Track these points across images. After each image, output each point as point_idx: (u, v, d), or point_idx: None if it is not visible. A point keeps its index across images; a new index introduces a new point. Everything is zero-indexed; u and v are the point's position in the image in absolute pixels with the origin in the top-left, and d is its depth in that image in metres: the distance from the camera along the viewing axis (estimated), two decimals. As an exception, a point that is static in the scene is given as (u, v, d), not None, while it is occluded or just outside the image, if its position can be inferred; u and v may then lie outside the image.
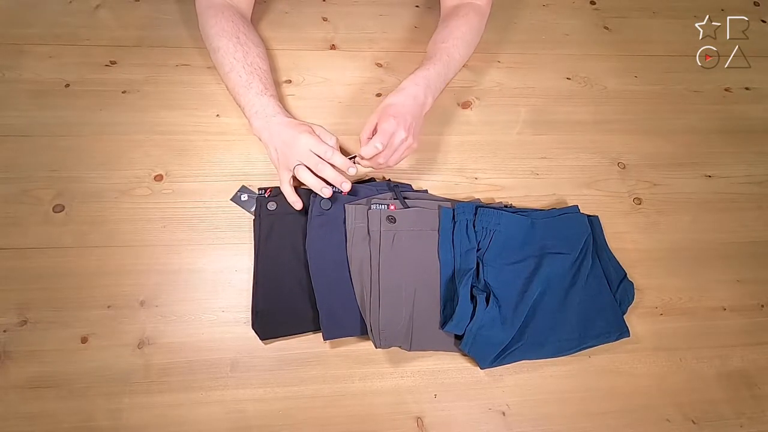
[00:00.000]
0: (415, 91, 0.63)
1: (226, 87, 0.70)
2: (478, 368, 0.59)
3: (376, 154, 0.59)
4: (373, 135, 0.61)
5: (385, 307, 0.58)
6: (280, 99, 0.70)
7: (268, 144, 0.63)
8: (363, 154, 0.59)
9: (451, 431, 0.57)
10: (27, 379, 0.55)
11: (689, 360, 0.62)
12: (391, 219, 0.61)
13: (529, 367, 0.60)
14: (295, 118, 0.66)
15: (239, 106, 0.68)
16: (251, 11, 0.77)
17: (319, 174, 0.60)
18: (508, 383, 0.59)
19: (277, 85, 0.74)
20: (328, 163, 0.59)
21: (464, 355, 0.60)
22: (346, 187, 0.60)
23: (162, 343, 0.58)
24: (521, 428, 0.57)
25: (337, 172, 0.59)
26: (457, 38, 0.72)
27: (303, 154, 0.60)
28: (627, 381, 0.61)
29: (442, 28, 0.74)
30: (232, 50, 0.67)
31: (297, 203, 0.62)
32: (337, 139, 0.64)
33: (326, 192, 0.60)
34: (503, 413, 0.58)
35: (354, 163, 0.61)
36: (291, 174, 0.61)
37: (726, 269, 0.69)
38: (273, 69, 0.75)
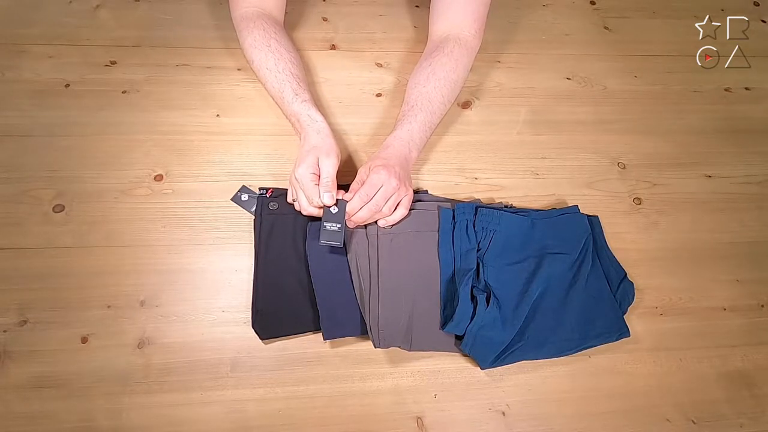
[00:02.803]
0: (399, 147, 0.63)
1: None
2: (478, 368, 0.59)
3: (365, 206, 0.58)
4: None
5: (385, 308, 0.58)
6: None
7: None
8: (349, 210, 0.58)
9: (451, 431, 0.57)
10: (27, 379, 0.55)
11: (689, 360, 0.62)
12: None
13: (529, 367, 0.60)
14: (323, 123, 0.63)
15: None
16: (283, 15, 0.77)
17: (302, 212, 0.61)
18: (508, 383, 0.59)
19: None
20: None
21: (464, 355, 0.60)
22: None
23: (162, 343, 0.58)
24: (521, 428, 0.57)
25: (304, 207, 0.60)
26: (439, 79, 0.69)
27: (296, 185, 0.60)
28: (627, 381, 0.61)
29: (426, 66, 0.70)
30: (264, 60, 0.68)
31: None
32: (332, 181, 0.59)
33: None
34: (503, 413, 0.58)
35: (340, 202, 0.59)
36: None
37: (726, 269, 0.69)
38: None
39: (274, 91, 0.68)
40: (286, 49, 0.70)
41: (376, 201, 0.58)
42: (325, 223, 0.58)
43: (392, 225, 0.61)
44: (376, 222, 0.61)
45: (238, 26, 0.73)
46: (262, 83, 0.71)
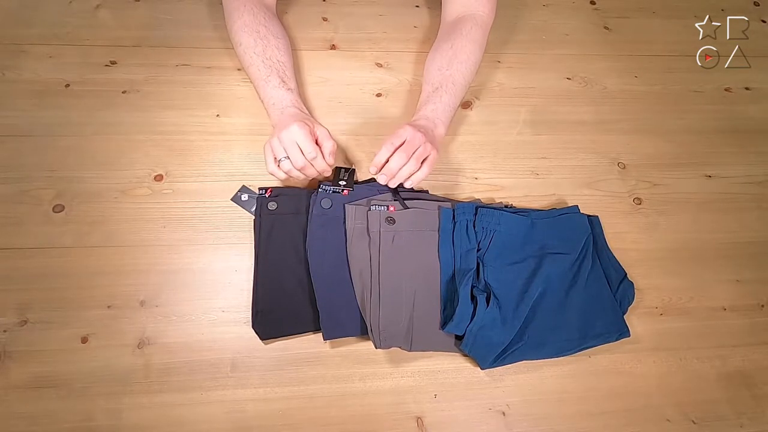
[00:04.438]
0: (425, 122, 0.65)
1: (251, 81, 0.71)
2: (478, 368, 0.59)
3: (394, 156, 0.59)
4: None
5: (386, 308, 0.58)
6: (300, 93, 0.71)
7: (273, 130, 0.64)
8: (376, 162, 0.59)
9: (451, 431, 0.57)
10: (27, 379, 0.55)
11: (689, 360, 0.62)
12: (390, 220, 0.61)
13: (529, 367, 0.60)
14: (309, 114, 0.67)
15: (260, 99, 0.69)
16: (276, 1, 0.77)
17: (301, 171, 0.60)
18: (508, 383, 0.59)
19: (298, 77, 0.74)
20: (309, 163, 0.59)
21: (464, 355, 0.60)
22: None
23: (162, 343, 0.58)
24: (521, 428, 0.57)
25: (315, 171, 0.60)
26: (461, 62, 0.70)
27: (290, 145, 0.58)
28: (627, 381, 0.61)
29: (447, 48, 0.72)
30: (252, 45, 0.68)
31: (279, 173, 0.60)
32: (335, 143, 0.62)
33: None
34: (503, 413, 0.58)
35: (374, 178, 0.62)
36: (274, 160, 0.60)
37: (726, 269, 0.69)
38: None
39: (259, 74, 0.67)
40: (274, 36, 0.70)
41: (404, 149, 0.59)
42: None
43: (416, 187, 0.62)
44: (401, 186, 0.61)
45: (228, 8, 0.72)
46: (245, 66, 0.70)
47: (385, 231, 0.61)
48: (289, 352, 0.59)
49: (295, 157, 0.58)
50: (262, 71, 0.67)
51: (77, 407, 0.54)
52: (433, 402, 0.58)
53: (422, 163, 0.61)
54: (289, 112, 0.64)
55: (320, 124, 0.64)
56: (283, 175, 0.60)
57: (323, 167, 0.60)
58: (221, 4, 0.74)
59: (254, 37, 0.68)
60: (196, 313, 0.60)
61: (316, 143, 0.60)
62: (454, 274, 0.60)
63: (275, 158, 0.59)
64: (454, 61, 0.70)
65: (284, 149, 0.59)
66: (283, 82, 0.67)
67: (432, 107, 0.67)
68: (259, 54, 0.68)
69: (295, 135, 0.58)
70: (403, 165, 0.59)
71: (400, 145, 0.60)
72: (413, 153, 0.60)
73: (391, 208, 0.62)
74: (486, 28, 0.75)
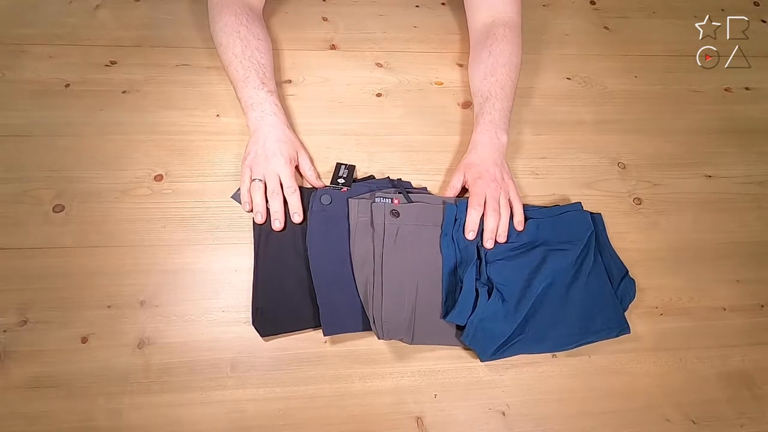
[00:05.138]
0: (488, 140, 0.66)
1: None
2: (479, 369, 0.59)
3: (488, 216, 0.62)
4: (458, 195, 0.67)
5: (388, 300, 0.58)
6: (281, 98, 0.71)
7: (252, 141, 0.65)
8: (467, 230, 0.61)
9: (451, 431, 0.57)
10: (27, 379, 0.55)
11: (689, 360, 0.62)
12: (395, 213, 0.61)
13: (530, 366, 0.60)
14: (288, 120, 0.67)
15: (238, 100, 0.69)
16: (263, 4, 0.77)
17: (269, 199, 0.62)
18: (508, 383, 0.59)
19: (277, 84, 0.74)
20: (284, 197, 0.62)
21: (465, 348, 0.60)
22: (277, 225, 0.62)
23: (162, 343, 0.58)
24: (521, 428, 0.57)
25: (281, 209, 0.62)
26: (503, 65, 0.71)
27: (270, 174, 0.62)
28: (627, 381, 0.61)
29: (485, 56, 0.72)
30: (232, 45, 0.68)
31: (247, 205, 0.63)
32: (318, 174, 0.67)
33: (277, 225, 0.61)
34: (503, 413, 0.58)
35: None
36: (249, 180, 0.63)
37: (726, 269, 0.68)
38: (276, 66, 0.75)
39: (238, 75, 0.67)
40: (255, 37, 0.70)
41: (490, 207, 0.61)
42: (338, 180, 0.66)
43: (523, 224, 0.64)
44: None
45: (212, 10, 0.72)
46: (225, 67, 0.70)
47: (390, 224, 0.61)
48: (289, 351, 0.59)
49: (271, 186, 0.61)
50: (240, 72, 0.67)
51: (77, 407, 0.54)
52: (433, 402, 0.58)
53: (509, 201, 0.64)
54: (271, 122, 0.65)
55: (304, 148, 0.67)
56: (246, 200, 0.63)
57: (296, 205, 0.62)
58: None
59: (234, 38, 0.68)
60: (196, 313, 0.60)
61: (297, 169, 0.65)
62: (456, 267, 0.60)
63: (251, 178, 0.62)
64: (497, 66, 0.71)
65: (263, 175, 0.62)
66: (263, 83, 0.67)
67: (489, 118, 0.67)
68: (238, 55, 0.68)
69: (279, 169, 0.62)
70: (498, 222, 0.62)
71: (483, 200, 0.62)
72: (498, 205, 0.62)
73: (396, 201, 0.62)
74: (518, 29, 0.75)
